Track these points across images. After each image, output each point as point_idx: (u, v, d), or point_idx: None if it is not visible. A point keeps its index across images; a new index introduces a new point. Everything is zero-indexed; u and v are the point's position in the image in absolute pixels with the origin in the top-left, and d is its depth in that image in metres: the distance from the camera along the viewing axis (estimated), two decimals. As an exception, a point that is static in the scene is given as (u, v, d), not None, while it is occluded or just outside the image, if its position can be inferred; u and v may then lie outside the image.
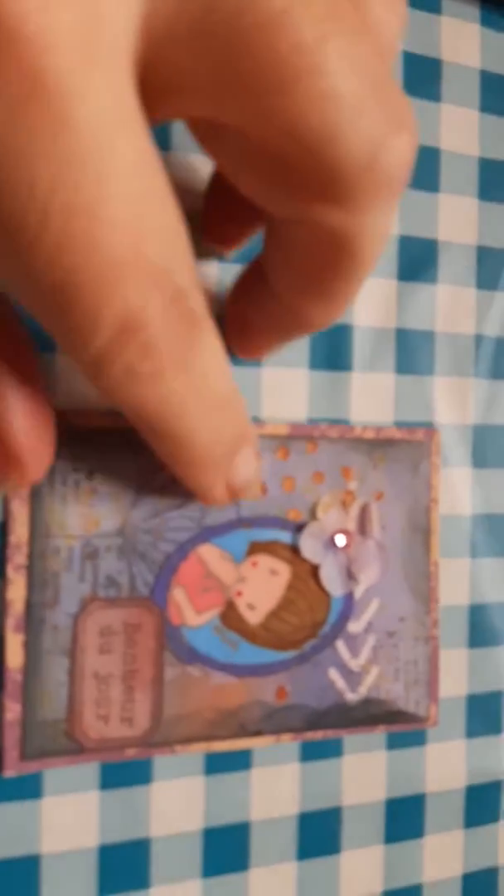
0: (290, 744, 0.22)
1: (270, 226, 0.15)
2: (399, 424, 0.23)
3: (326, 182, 0.12)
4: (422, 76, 0.23)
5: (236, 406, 0.15)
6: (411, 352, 0.23)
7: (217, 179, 0.19)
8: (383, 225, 0.13)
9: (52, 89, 0.09)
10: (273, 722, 0.21)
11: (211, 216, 0.19)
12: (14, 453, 0.15)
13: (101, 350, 0.12)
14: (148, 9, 0.10)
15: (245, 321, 0.18)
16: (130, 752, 0.20)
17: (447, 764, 0.24)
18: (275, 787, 0.22)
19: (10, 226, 0.10)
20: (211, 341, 0.13)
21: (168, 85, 0.11)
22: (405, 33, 0.23)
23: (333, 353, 0.22)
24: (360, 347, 0.23)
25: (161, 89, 0.11)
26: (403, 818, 0.23)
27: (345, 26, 0.11)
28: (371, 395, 0.23)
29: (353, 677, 0.22)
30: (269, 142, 0.12)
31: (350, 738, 0.23)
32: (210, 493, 0.17)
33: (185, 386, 0.13)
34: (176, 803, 0.21)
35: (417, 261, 0.23)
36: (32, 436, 0.15)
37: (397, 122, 0.12)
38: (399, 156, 0.12)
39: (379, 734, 0.23)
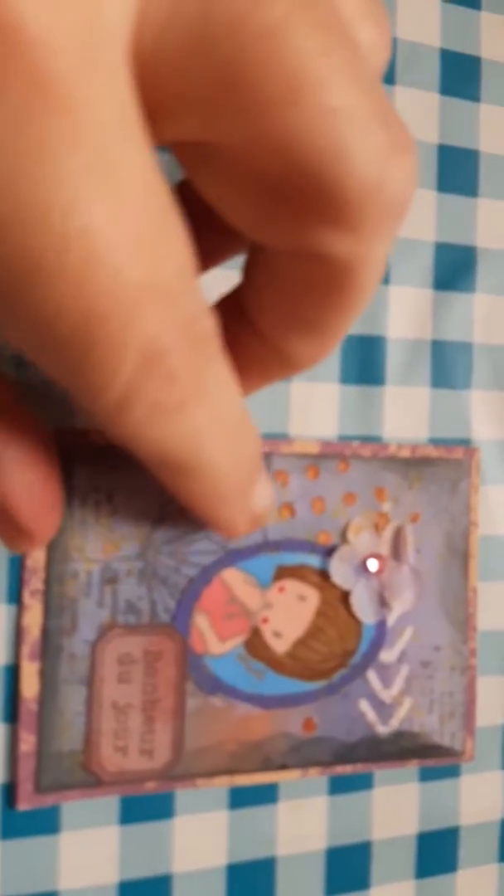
0: (317, 777, 0.21)
1: (258, 259, 0.14)
2: (435, 441, 0.22)
3: (333, 205, 0.11)
4: (460, 75, 0.22)
5: (252, 430, 0.14)
6: (448, 365, 0.22)
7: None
8: (385, 254, 0.12)
9: (62, 98, 0.08)
10: (300, 755, 0.20)
11: None
12: (16, 522, 0.14)
13: (125, 388, 0.11)
14: (143, 4, 0.09)
15: None
16: (150, 786, 0.19)
17: (482, 796, 0.23)
18: (302, 821, 0.21)
19: (21, 265, 0.09)
20: (223, 365, 0.12)
21: (162, 98, 0.10)
22: (444, 31, 0.22)
23: (365, 367, 0.21)
24: (393, 360, 0.22)
25: (155, 103, 0.10)
26: (436, 852, 0.22)
27: (343, 40, 0.10)
28: (405, 411, 0.22)
29: (384, 709, 0.21)
30: (269, 162, 0.11)
31: (381, 771, 0.21)
32: (234, 527, 0.16)
33: (206, 415, 0.12)
34: (199, 838, 0.20)
35: (455, 268, 0.22)
36: (35, 502, 0.14)
37: (402, 143, 0.11)
38: (406, 178, 0.11)
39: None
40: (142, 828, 0.20)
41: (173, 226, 0.10)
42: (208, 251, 0.16)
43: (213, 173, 0.12)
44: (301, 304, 0.13)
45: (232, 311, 0.15)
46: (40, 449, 0.14)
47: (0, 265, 0.09)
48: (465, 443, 0.22)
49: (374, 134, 0.10)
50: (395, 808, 0.22)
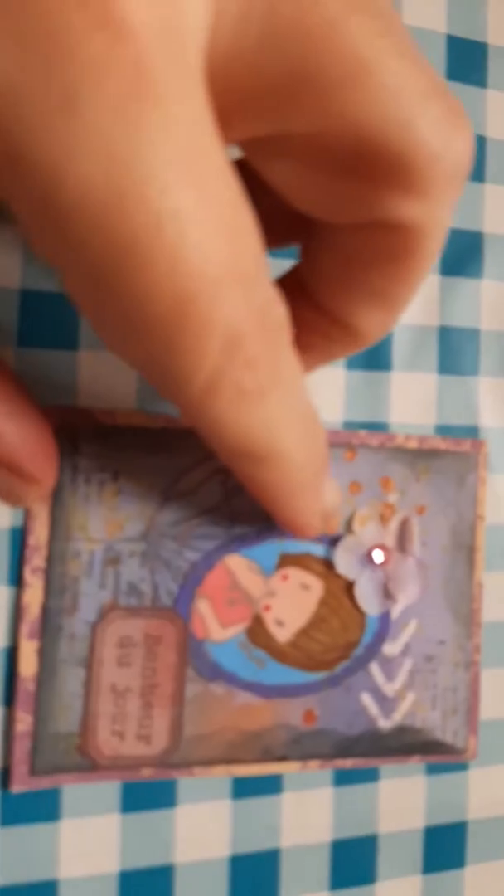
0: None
1: (320, 238, 0.15)
2: (441, 428, 0.22)
3: (403, 172, 0.12)
4: (466, 61, 0.22)
5: (320, 423, 0.15)
6: (455, 351, 0.22)
7: None
8: (448, 220, 0.13)
9: (156, 90, 0.09)
10: (300, 747, 0.20)
11: None
12: (17, 467, 0.14)
13: (212, 372, 0.11)
14: (218, 7, 0.10)
15: None
16: (146, 773, 0.19)
17: (490, 790, 0.22)
18: (307, 813, 0.21)
19: (118, 249, 0.09)
20: (294, 356, 0.13)
21: (231, 99, 0.11)
22: (450, 16, 0.22)
23: (371, 352, 0.21)
24: (399, 346, 0.22)
25: (223, 106, 0.11)
26: (443, 847, 0.22)
27: (394, 24, 0.11)
28: (411, 397, 0.22)
29: (387, 703, 0.21)
30: (342, 141, 0.12)
31: (384, 766, 0.21)
32: (309, 520, 0.17)
33: (282, 404, 0.13)
34: (202, 828, 0.20)
35: (461, 254, 0.22)
36: (30, 445, 0.14)
37: (458, 115, 0.12)
38: (465, 147, 0.12)
39: (417, 764, 0.21)
40: (143, 816, 0.19)
41: (247, 216, 0.11)
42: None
43: (282, 162, 0.13)
44: (368, 276, 0.14)
45: (293, 291, 0.16)
46: (21, 399, 0.14)
47: (98, 251, 0.10)
48: (473, 430, 0.22)
49: (435, 106, 0.11)
50: (401, 801, 0.21)
